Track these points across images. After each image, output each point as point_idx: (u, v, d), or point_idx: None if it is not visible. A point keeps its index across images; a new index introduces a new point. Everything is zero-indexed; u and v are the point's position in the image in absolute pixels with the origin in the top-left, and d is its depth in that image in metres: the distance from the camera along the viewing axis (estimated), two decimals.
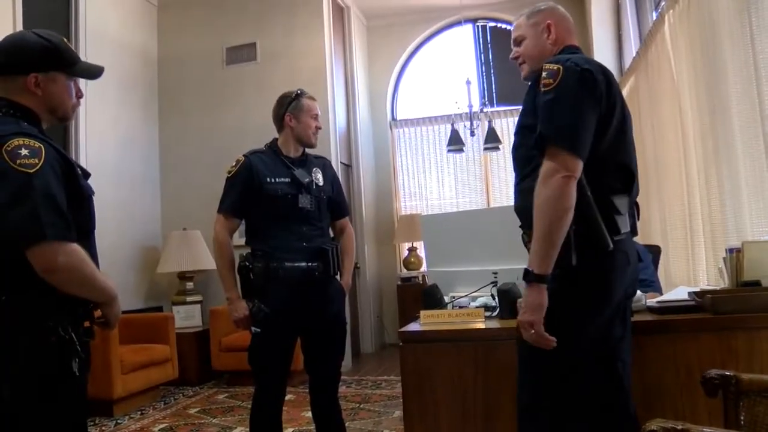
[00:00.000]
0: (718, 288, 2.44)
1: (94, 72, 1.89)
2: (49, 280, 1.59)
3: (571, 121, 1.75)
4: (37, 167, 1.58)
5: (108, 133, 5.87)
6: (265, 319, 2.74)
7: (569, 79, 1.76)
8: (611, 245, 1.75)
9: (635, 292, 2.00)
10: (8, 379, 1.58)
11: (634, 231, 1.96)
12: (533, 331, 1.74)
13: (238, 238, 3.01)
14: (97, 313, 1.79)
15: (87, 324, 1.77)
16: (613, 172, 1.84)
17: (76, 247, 1.62)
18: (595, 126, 1.77)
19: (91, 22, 5.71)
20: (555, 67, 1.80)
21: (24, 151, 1.59)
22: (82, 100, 1.92)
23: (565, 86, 1.76)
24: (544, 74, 1.81)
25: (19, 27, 4.88)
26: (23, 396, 1.60)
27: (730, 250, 2.39)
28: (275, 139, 3.01)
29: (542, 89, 1.80)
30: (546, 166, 1.73)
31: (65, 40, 1.83)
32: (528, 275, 1.74)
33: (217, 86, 6.75)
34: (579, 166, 1.72)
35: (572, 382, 1.80)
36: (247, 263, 2.81)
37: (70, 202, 1.65)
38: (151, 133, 6.71)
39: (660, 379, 2.13)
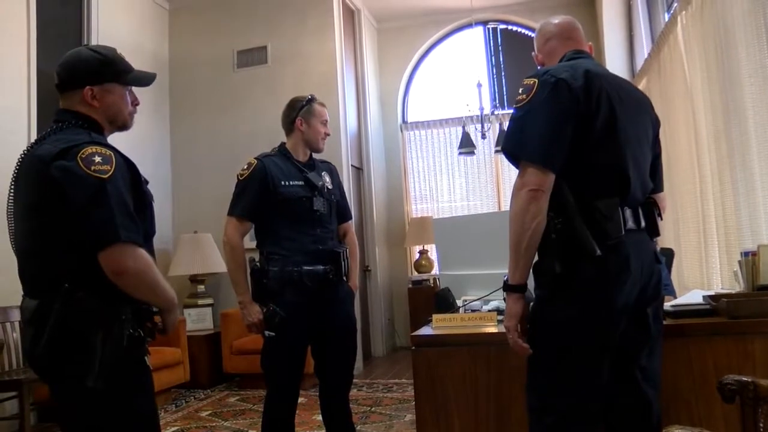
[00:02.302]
0: (733, 292, 2.42)
1: (146, 79, 1.98)
2: (118, 282, 1.68)
3: (538, 135, 1.75)
4: (110, 173, 1.69)
5: (119, 136, 5.86)
6: (280, 323, 2.73)
7: (542, 92, 1.78)
8: (598, 251, 1.73)
9: (657, 296, 1.93)
10: (93, 371, 1.65)
11: (654, 232, 1.93)
12: (511, 336, 1.81)
13: (249, 241, 3.01)
14: (156, 319, 1.88)
15: (148, 325, 1.85)
16: (598, 175, 1.81)
17: (143, 252, 1.72)
18: (570, 134, 1.76)
19: (103, 26, 5.77)
20: (531, 82, 1.82)
21: (97, 158, 1.69)
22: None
23: (536, 100, 1.78)
24: (520, 90, 1.84)
25: (33, 32, 4.94)
26: (110, 387, 1.66)
27: (746, 254, 2.37)
28: (283, 143, 3.02)
29: (516, 105, 1.83)
30: (516, 180, 1.78)
31: (117, 51, 1.93)
32: (504, 284, 1.83)
33: (227, 89, 6.77)
34: (548, 179, 1.73)
35: (576, 385, 1.79)
36: (261, 266, 2.81)
37: (135, 207, 1.75)
38: (162, 136, 6.75)
39: (675, 384, 2.11)
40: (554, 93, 1.76)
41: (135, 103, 1.96)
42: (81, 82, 1.84)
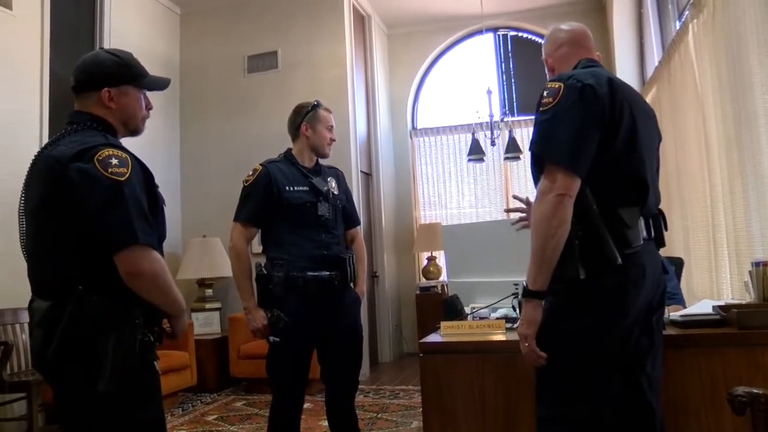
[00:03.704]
0: (743, 302, 2.40)
1: (161, 84, 2.01)
2: (132, 284, 1.68)
3: (567, 140, 1.74)
4: (127, 176, 1.69)
5: (129, 140, 5.92)
6: (284, 328, 2.73)
7: (569, 96, 1.77)
8: (619, 259, 1.72)
9: (663, 305, 1.94)
10: (104, 375, 1.64)
11: (660, 242, 1.92)
12: (527, 344, 1.77)
13: (257, 246, 3.01)
14: (164, 323, 1.87)
15: (157, 330, 1.84)
16: (620, 183, 1.81)
17: (158, 255, 1.73)
18: (597, 140, 1.76)
19: (115, 30, 5.81)
20: (556, 86, 1.81)
21: (114, 161, 1.69)
22: None
23: (564, 104, 1.76)
24: (544, 93, 1.82)
25: (47, 36, 4.98)
26: (121, 391, 1.65)
27: (757, 264, 2.35)
28: (289, 149, 3.03)
29: (541, 108, 1.81)
30: (542, 183, 1.76)
31: (133, 55, 1.95)
32: (524, 290, 1.79)
33: (238, 94, 6.80)
34: (575, 184, 1.73)
35: (590, 394, 1.78)
36: (266, 272, 2.81)
37: (149, 211, 1.76)
38: (171, 140, 6.78)
39: (684, 394, 2.10)
40: (582, 98, 1.76)
41: (149, 107, 1.97)
42: (99, 83, 1.85)
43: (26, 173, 1.85)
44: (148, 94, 1.99)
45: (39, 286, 1.80)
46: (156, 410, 1.83)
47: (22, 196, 1.85)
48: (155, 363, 1.80)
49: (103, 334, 1.66)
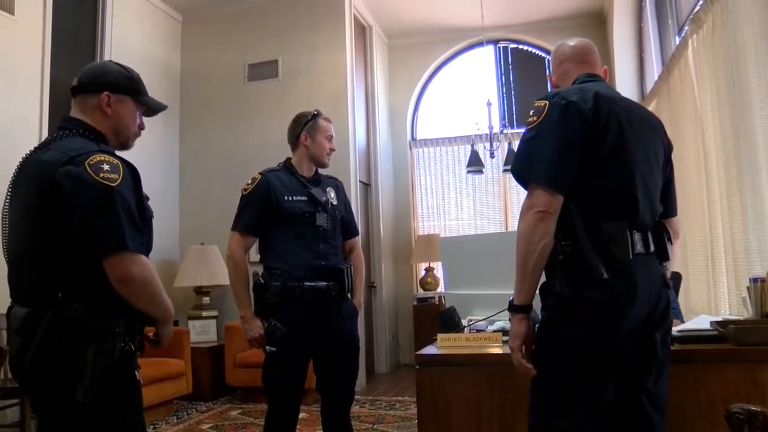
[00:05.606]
0: (741, 318, 2.39)
1: (157, 106, 2.04)
2: (122, 289, 1.68)
3: (548, 158, 1.76)
4: (118, 182, 1.70)
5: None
6: (281, 338, 2.72)
7: (552, 114, 1.79)
8: (605, 274, 1.72)
9: (664, 321, 1.90)
10: (83, 384, 1.62)
11: (663, 256, 1.91)
12: (515, 356, 1.81)
13: (255, 255, 3.00)
14: (149, 330, 1.87)
15: (138, 339, 1.84)
16: (606, 198, 1.80)
17: (147, 261, 1.73)
18: (579, 157, 1.77)
19: (116, 36, 5.83)
20: (542, 104, 1.83)
21: (106, 166, 1.70)
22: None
23: (546, 122, 1.79)
24: (531, 112, 1.85)
25: (48, 41, 4.98)
26: (100, 400, 1.64)
27: (754, 280, 2.35)
28: (289, 159, 3.03)
29: (528, 127, 1.84)
30: (525, 201, 1.79)
31: (139, 76, 1.99)
32: (509, 305, 1.82)
33: (238, 102, 6.80)
34: (556, 201, 1.74)
35: (579, 406, 1.77)
36: (263, 281, 2.80)
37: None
38: (171, 147, 6.77)
39: (681, 410, 2.09)
40: (564, 115, 1.78)
41: (141, 126, 2.00)
42: (101, 87, 1.88)
43: (12, 176, 1.85)
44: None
45: (19, 291, 1.79)
46: (136, 420, 1.82)
47: (6, 200, 1.84)
48: (136, 372, 1.79)
49: (82, 342, 1.65)
